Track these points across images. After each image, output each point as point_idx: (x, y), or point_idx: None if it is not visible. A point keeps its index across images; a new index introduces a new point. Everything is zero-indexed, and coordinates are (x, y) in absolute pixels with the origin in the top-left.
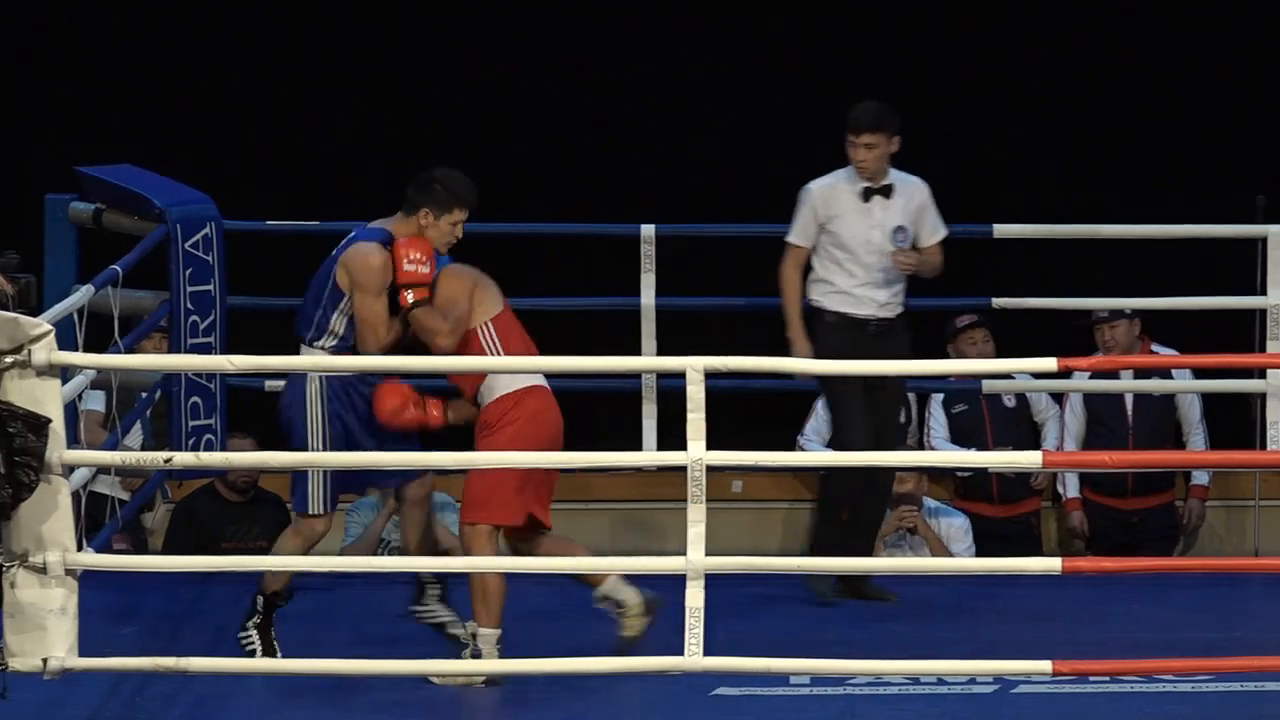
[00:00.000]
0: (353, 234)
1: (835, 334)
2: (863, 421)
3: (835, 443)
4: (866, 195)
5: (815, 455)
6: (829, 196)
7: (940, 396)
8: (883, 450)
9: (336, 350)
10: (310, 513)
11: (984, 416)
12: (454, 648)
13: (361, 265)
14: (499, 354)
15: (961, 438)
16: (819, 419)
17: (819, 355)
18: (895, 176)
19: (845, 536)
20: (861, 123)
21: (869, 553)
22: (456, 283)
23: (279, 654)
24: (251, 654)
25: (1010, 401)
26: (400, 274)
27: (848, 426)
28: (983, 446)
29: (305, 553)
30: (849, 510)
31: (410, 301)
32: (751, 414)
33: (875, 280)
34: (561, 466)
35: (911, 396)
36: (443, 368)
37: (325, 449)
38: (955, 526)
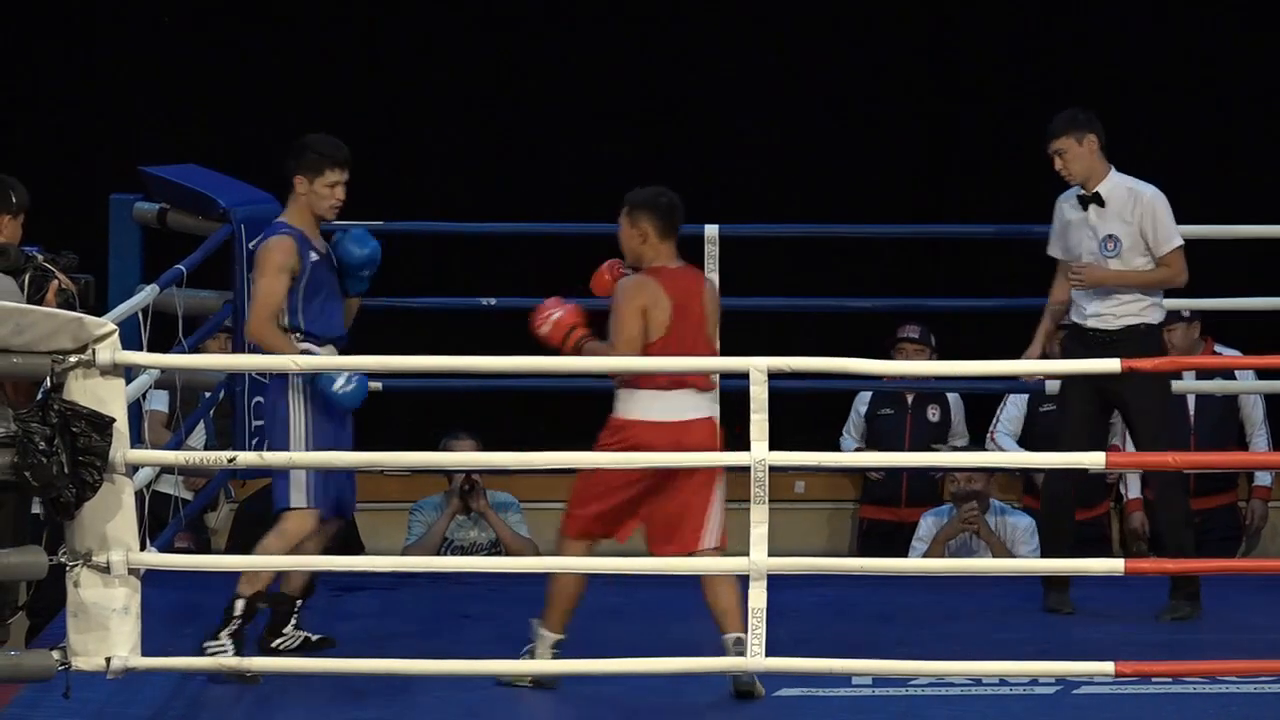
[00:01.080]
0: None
1: (1067, 343)
2: (1080, 428)
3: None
4: (1084, 204)
5: (871, 455)
6: (1062, 208)
7: (1023, 396)
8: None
9: (314, 342)
10: (291, 506)
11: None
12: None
13: (258, 253)
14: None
15: (1048, 440)
16: (856, 418)
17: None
18: (1115, 183)
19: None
20: (1049, 131)
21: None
22: (627, 303)
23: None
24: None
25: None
26: (548, 338)
27: (1064, 433)
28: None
29: (290, 551)
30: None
31: (570, 349)
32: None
33: (1087, 291)
34: (631, 466)
35: (956, 396)
36: (456, 368)
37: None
38: (1020, 528)
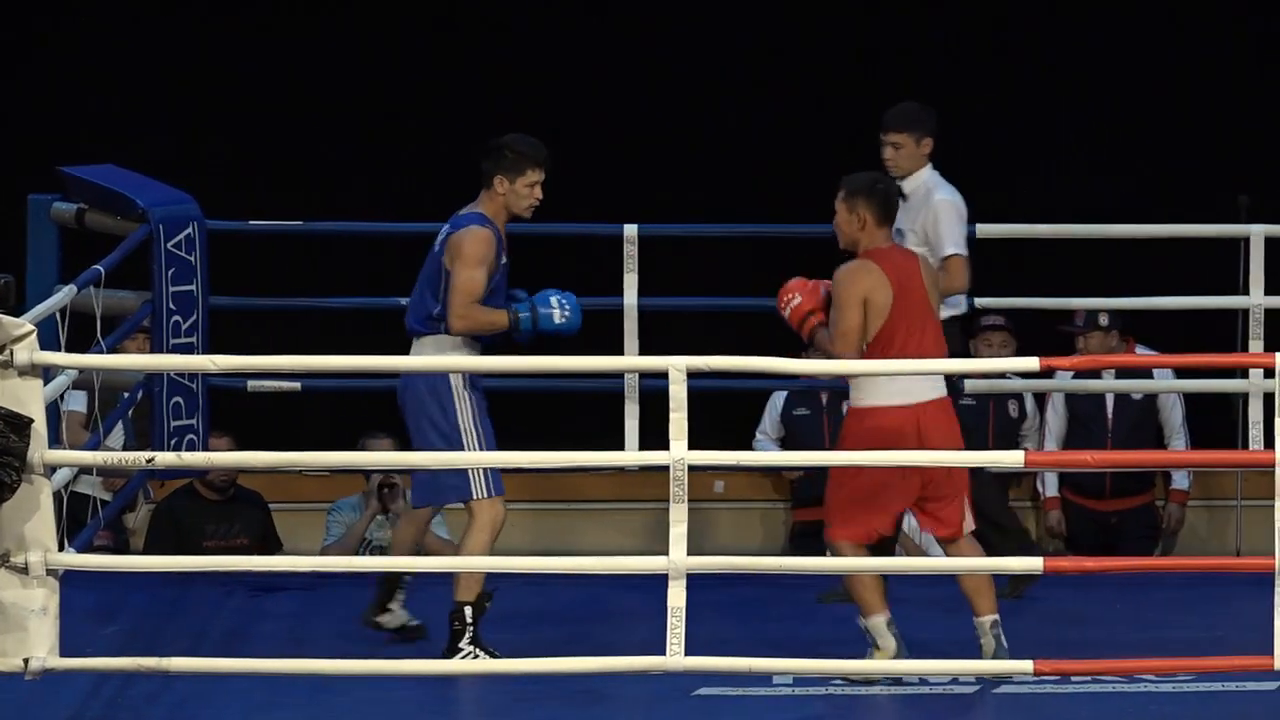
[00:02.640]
0: (446, 226)
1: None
2: None
3: None
4: (902, 195)
5: (794, 455)
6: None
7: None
8: None
9: (471, 338)
10: (477, 497)
11: (989, 417)
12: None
13: (460, 239)
14: None
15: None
16: (771, 418)
17: None
18: (920, 181)
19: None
20: (890, 122)
21: None
22: (846, 291)
23: (495, 654)
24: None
25: (1014, 409)
26: (788, 320)
27: None
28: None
29: (494, 544)
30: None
31: (805, 338)
32: (730, 414)
33: None
34: (552, 466)
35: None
36: (375, 367)
37: (479, 442)
38: None
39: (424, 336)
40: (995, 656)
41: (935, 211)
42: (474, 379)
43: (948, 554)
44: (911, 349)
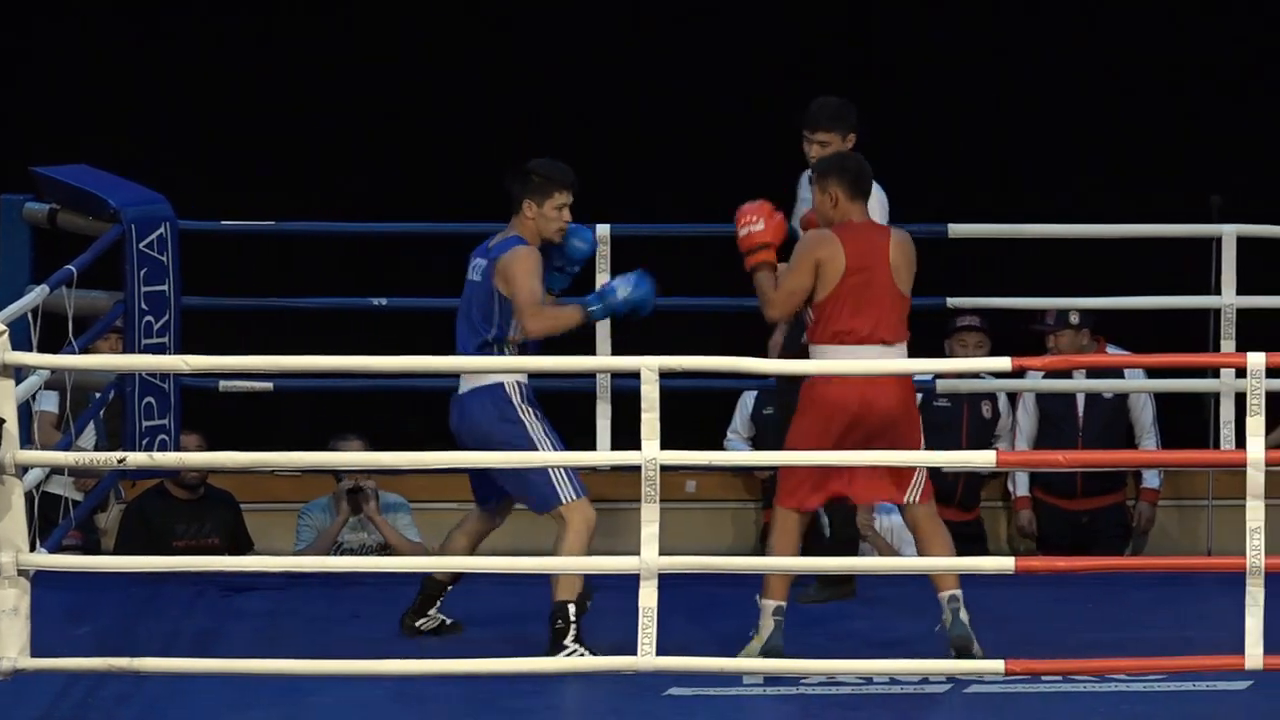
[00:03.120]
0: (479, 260)
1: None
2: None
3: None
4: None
5: (765, 455)
6: (801, 189)
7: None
8: None
9: (523, 354)
10: (565, 502)
11: (963, 417)
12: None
13: (507, 260)
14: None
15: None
16: (742, 417)
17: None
18: None
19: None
20: (817, 120)
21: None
22: (801, 254)
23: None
24: None
25: (987, 410)
26: (739, 241)
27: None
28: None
29: (590, 544)
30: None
31: (749, 266)
32: (701, 414)
33: None
34: (524, 466)
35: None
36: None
37: (555, 448)
38: (905, 527)
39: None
40: (952, 630)
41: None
42: (531, 395)
43: (906, 521)
44: (863, 323)
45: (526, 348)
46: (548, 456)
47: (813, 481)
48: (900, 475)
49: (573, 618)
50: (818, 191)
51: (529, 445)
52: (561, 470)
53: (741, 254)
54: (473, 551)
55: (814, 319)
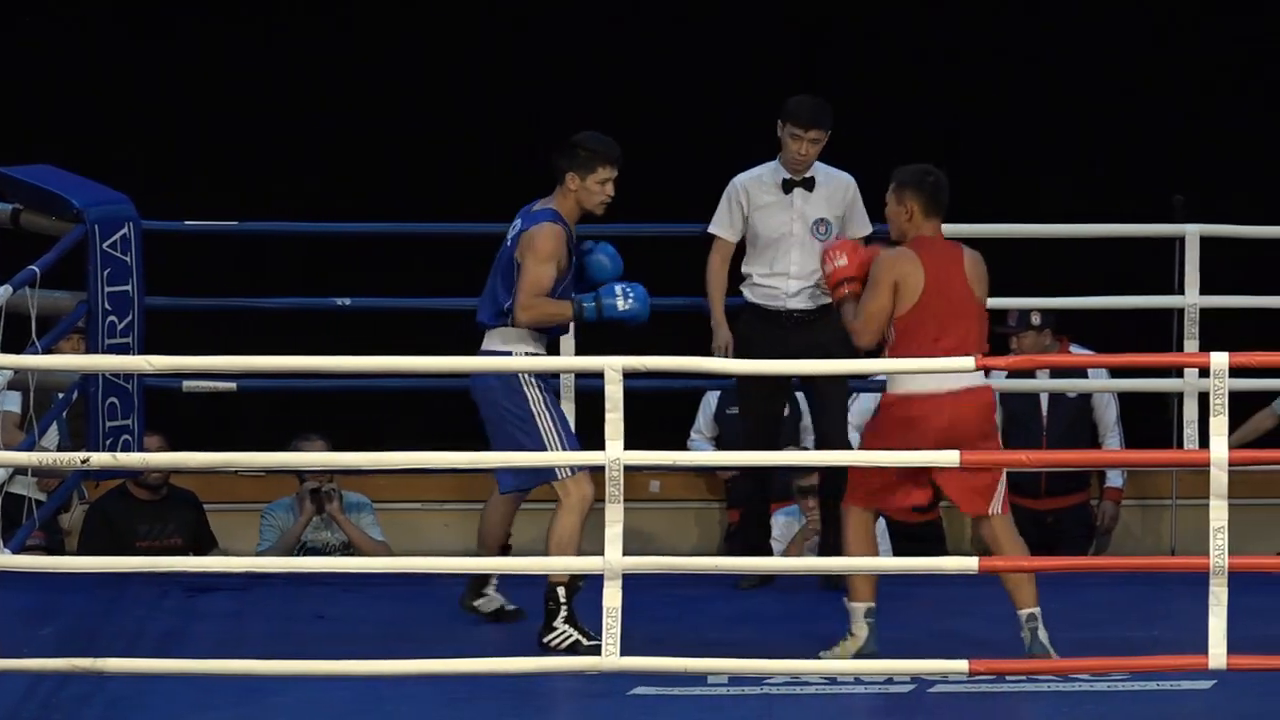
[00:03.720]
0: (519, 221)
1: (755, 325)
2: (758, 420)
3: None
4: (787, 187)
5: (731, 455)
6: (752, 188)
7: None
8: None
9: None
10: (561, 479)
11: None
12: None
13: (533, 234)
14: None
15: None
16: (705, 417)
17: (737, 347)
18: (819, 170)
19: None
20: (814, 118)
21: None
22: (880, 273)
23: (594, 637)
24: (570, 651)
25: None
26: (826, 277)
27: (745, 426)
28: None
29: (584, 523)
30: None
31: (835, 301)
32: (665, 414)
33: (791, 272)
34: (486, 466)
35: None
36: (311, 368)
37: (558, 432)
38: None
39: (492, 329)
40: (1030, 651)
41: (856, 194)
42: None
43: (980, 533)
44: (946, 342)
45: (537, 334)
46: (509, 456)
47: (889, 486)
48: (985, 487)
49: (563, 599)
50: (893, 201)
51: (527, 417)
52: (560, 444)
53: (829, 288)
54: (509, 523)
55: (895, 338)
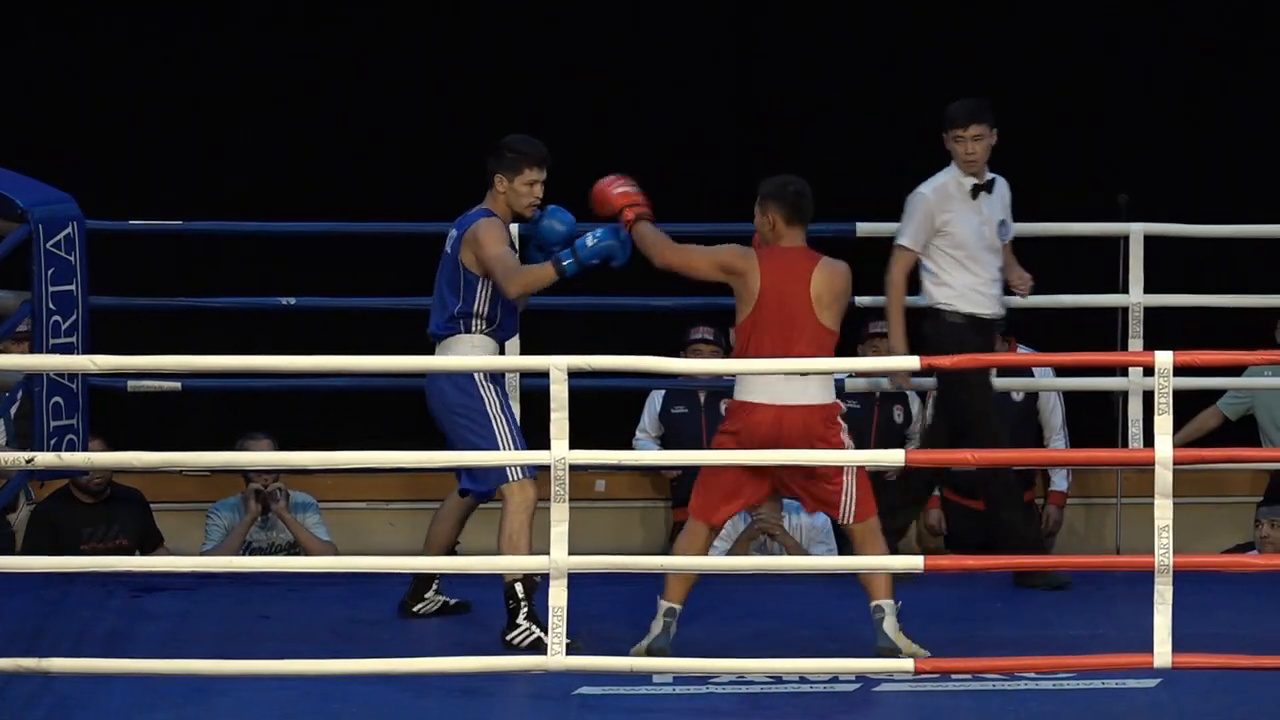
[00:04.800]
0: (454, 230)
1: (966, 334)
2: (988, 414)
3: (972, 440)
4: (975, 192)
5: (674, 455)
6: (940, 197)
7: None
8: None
9: (492, 333)
10: (510, 480)
11: (873, 420)
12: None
13: (473, 230)
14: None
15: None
16: (650, 416)
17: (939, 354)
18: (990, 172)
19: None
20: (970, 116)
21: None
22: (721, 249)
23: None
24: (533, 647)
25: (899, 414)
26: (613, 199)
27: (981, 425)
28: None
29: (532, 523)
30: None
31: (632, 217)
32: (610, 414)
33: (993, 276)
34: (433, 465)
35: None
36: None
37: (511, 435)
38: (816, 527)
39: (445, 338)
40: (876, 642)
41: (1010, 195)
42: (496, 373)
43: (851, 539)
44: (776, 352)
45: (495, 321)
46: (458, 456)
47: (724, 495)
48: (825, 496)
49: (522, 596)
50: (759, 212)
51: (481, 418)
52: (513, 445)
53: (616, 210)
54: (461, 524)
55: (736, 344)
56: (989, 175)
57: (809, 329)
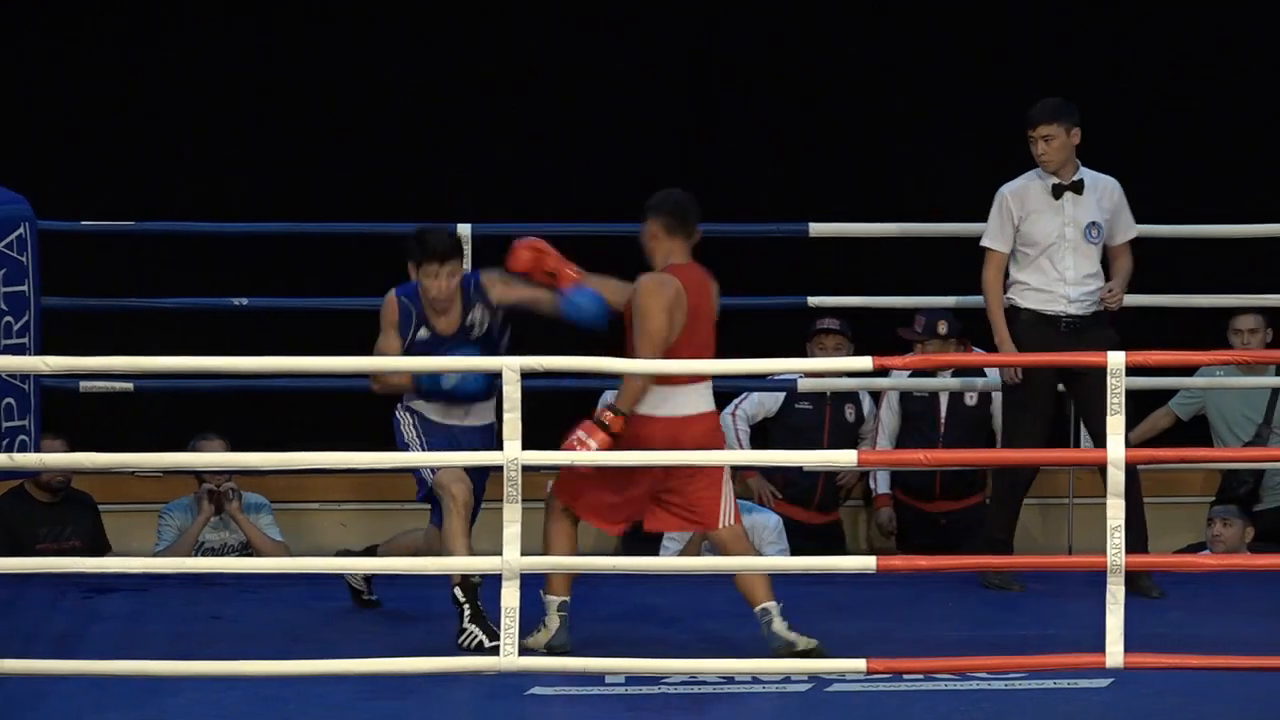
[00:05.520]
0: None
1: (1028, 331)
2: (1032, 423)
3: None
4: (1057, 192)
5: (625, 455)
6: (1021, 197)
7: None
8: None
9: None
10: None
11: (825, 419)
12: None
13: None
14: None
15: (796, 437)
16: None
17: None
18: (1086, 173)
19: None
20: (1038, 116)
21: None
22: (653, 300)
23: (498, 636)
24: (478, 648)
25: (850, 413)
26: (528, 263)
27: (1016, 427)
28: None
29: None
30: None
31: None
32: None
33: (1067, 277)
34: (384, 467)
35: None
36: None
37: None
38: (768, 527)
39: None
40: (771, 645)
41: (1122, 197)
42: (407, 401)
43: (713, 546)
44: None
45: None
46: (409, 456)
47: (610, 507)
48: (701, 507)
49: (462, 599)
50: (645, 224)
51: (401, 439)
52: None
53: (546, 274)
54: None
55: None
56: (1079, 175)
57: (711, 339)
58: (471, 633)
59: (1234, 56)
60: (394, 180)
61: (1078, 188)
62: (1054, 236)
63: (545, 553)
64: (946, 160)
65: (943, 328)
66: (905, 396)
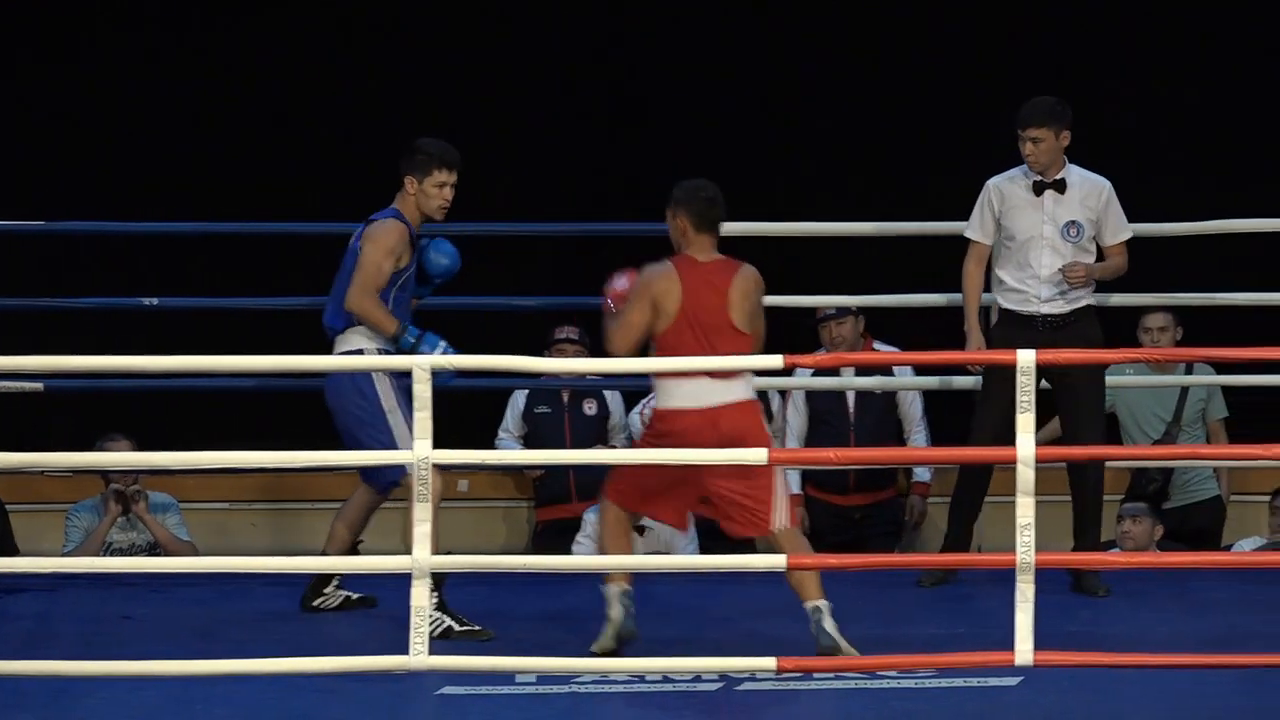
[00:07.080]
0: (362, 225)
1: (1004, 329)
2: (986, 417)
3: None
4: (1038, 189)
5: (537, 454)
6: (1003, 190)
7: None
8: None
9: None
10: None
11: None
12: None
13: (375, 228)
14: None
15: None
16: (513, 416)
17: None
18: (1073, 172)
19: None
20: (1029, 118)
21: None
22: (639, 290)
23: (467, 623)
24: (444, 636)
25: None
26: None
27: (975, 421)
28: None
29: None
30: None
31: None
32: (473, 413)
33: (1041, 275)
34: (293, 465)
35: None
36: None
37: (407, 430)
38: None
39: (342, 332)
40: (818, 641)
41: (1112, 199)
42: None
43: (778, 545)
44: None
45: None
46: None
47: (643, 493)
48: (759, 495)
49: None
50: (670, 216)
51: (376, 412)
52: (408, 442)
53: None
54: (362, 526)
55: (657, 353)
56: (1064, 174)
57: (727, 335)
58: (438, 619)
59: (1124, 56)
60: (303, 181)
61: (1060, 186)
62: (1031, 233)
63: (601, 551)
64: (850, 158)
65: (853, 308)
66: (813, 392)
